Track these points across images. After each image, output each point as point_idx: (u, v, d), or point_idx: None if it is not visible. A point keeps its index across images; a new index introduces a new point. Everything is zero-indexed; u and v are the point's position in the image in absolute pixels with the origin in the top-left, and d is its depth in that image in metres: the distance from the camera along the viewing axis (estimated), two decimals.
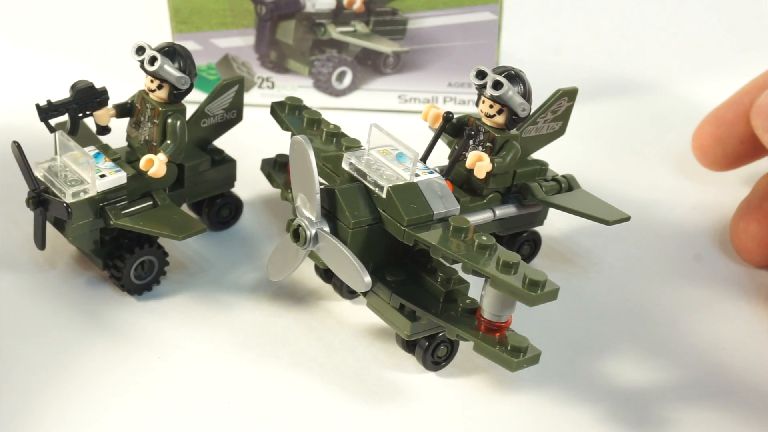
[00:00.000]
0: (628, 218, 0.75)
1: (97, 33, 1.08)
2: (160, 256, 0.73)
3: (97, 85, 0.72)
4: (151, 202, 0.72)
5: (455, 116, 0.73)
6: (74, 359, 0.67)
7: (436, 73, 0.95)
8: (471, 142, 0.72)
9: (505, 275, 0.61)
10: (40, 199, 0.69)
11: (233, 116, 0.78)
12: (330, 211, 0.67)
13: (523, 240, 0.79)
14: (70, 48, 1.04)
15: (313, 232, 0.66)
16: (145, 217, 0.71)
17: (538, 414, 0.67)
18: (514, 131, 0.72)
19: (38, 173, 0.70)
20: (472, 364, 0.70)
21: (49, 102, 0.70)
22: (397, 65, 0.95)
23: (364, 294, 0.69)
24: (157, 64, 0.69)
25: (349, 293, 0.75)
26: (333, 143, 0.75)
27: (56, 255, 0.76)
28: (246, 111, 0.79)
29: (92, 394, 0.65)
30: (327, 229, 0.66)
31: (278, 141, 0.81)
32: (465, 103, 0.96)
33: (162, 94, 0.71)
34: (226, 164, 0.78)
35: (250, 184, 0.83)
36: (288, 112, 0.78)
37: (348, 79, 0.96)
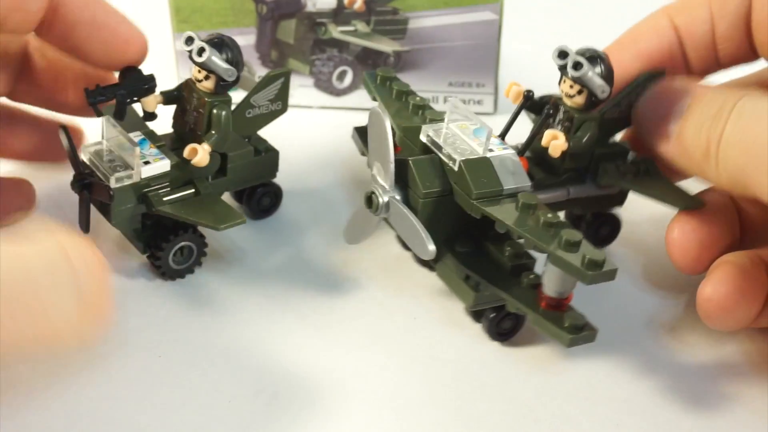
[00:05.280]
0: (702, 205, 0.74)
1: None
2: (199, 242, 0.74)
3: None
4: (193, 190, 0.73)
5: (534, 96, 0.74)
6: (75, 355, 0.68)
7: (436, 73, 0.96)
8: (550, 120, 0.74)
9: (564, 252, 0.63)
10: (85, 182, 0.69)
11: (278, 107, 0.79)
12: (403, 180, 0.70)
13: (602, 221, 0.80)
14: None
15: (386, 199, 0.69)
16: (186, 205, 0.72)
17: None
18: (594, 113, 0.73)
19: (84, 157, 0.71)
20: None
21: (97, 86, 0.71)
22: (397, 65, 0.96)
23: (434, 264, 0.72)
24: (205, 56, 0.70)
25: (420, 263, 0.77)
26: (418, 115, 0.77)
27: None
28: None
29: (93, 393, 0.65)
30: (399, 197, 0.69)
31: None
32: (465, 103, 0.97)
33: (209, 84, 0.72)
34: (268, 154, 0.79)
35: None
36: (380, 83, 0.81)
37: (349, 79, 0.97)
